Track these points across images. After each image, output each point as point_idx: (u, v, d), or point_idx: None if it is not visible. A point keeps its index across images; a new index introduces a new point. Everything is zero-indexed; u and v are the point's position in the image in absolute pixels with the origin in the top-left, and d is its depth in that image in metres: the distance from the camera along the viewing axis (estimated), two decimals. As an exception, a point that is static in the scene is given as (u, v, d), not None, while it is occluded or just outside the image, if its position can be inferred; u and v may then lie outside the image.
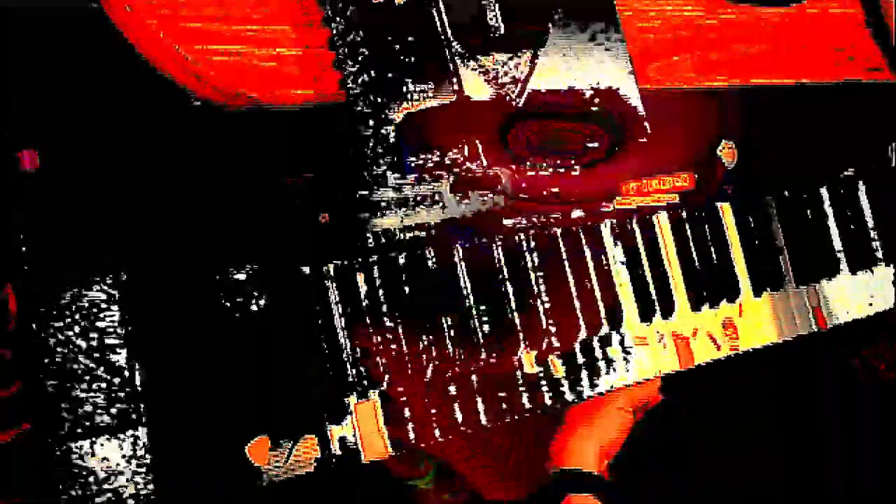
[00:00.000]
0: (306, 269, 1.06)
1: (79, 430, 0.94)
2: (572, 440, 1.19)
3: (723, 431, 1.50)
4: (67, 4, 0.99)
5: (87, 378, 0.95)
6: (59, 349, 0.94)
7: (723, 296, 1.30)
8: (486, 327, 1.13)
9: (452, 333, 1.11)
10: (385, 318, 1.08)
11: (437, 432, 1.09)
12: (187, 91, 1.02)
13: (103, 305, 0.96)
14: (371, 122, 1.08)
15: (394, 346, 1.08)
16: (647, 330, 1.24)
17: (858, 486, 1.48)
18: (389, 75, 1.09)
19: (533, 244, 1.18)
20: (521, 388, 1.14)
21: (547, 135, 1.16)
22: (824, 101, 1.42)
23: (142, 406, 0.96)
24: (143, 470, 0.96)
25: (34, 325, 0.94)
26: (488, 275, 1.15)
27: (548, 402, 1.16)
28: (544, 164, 1.15)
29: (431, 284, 1.12)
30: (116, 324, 0.96)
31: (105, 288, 0.96)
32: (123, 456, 0.95)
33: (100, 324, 0.96)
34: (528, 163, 1.14)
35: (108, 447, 0.95)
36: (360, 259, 1.08)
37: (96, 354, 0.95)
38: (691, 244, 1.30)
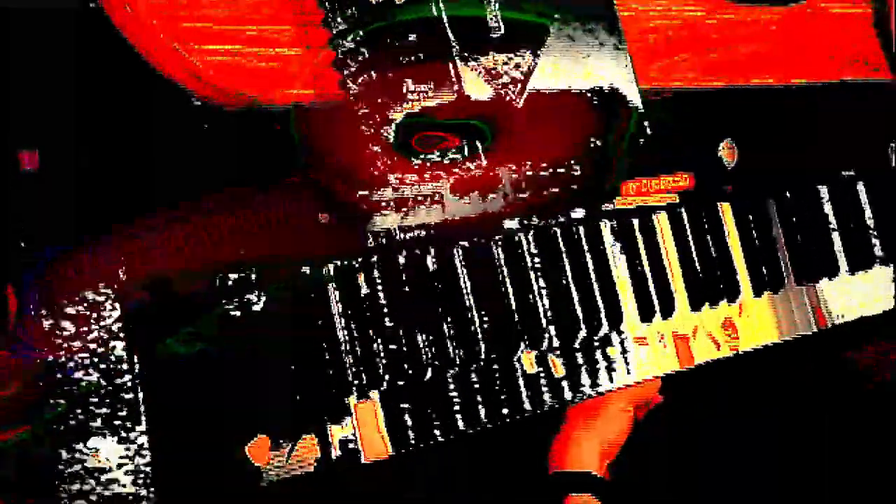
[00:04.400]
0: (306, 269, 1.06)
1: (79, 430, 0.94)
2: (573, 441, 1.19)
3: (723, 431, 1.50)
4: (67, 4, 0.99)
5: (87, 378, 0.95)
6: (58, 349, 0.94)
7: (723, 296, 1.30)
8: (486, 327, 1.13)
9: (452, 333, 1.12)
10: (385, 318, 1.09)
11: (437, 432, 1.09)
12: (187, 91, 1.02)
13: (103, 305, 0.96)
14: (371, 122, 1.08)
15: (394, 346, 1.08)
16: (647, 330, 1.24)
17: (857, 485, 1.48)
18: (389, 75, 1.09)
19: (532, 244, 1.18)
20: (521, 388, 1.14)
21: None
22: (824, 101, 1.42)
23: (141, 406, 0.96)
24: (143, 470, 0.95)
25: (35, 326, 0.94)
26: (488, 275, 1.15)
27: (548, 402, 1.16)
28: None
29: (431, 284, 1.12)
30: (116, 324, 0.96)
31: (105, 287, 0.96)
32: (123, 456, 0.95)
33: (100, 323, 0.96)
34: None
35: (108, 447, 0.95)
36: (360, 259, 1.08)
37: (96, 354, 0.95)
38: (691, 244, 1.30)
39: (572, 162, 1.20)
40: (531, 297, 1.17)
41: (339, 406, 1.05)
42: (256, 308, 1.02)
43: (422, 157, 1.11)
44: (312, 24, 1.08)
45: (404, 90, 1.10)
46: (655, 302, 1.25)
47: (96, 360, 0.95)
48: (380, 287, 1.09)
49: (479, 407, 1.11)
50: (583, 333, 1.19)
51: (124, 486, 0.95)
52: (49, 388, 0.94)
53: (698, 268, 1.30)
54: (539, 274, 1.18)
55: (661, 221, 1.29)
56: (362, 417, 1.06)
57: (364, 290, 1.08)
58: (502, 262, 1.17)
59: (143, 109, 1.01)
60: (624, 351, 1.22)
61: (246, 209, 1.03)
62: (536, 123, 1.18)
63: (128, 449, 0.95)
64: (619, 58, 1.24)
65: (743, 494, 1.46)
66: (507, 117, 1.17)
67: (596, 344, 1.20)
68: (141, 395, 0.97)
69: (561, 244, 1.20)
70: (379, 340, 1.08)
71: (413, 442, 1.08)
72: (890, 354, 1.58)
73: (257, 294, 1.02)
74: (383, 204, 1.09)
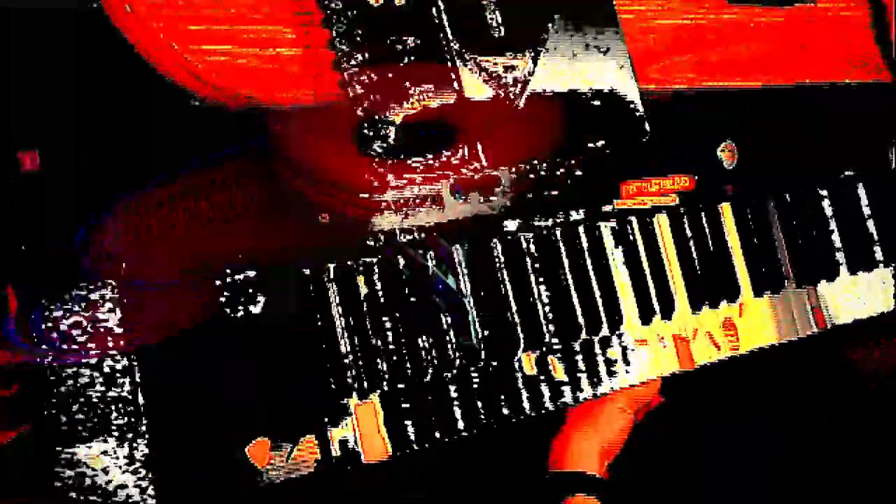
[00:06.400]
0: (306, 270, 1.06)
1: (79, 431, 0.94)
2: (573, 441, 1.19)
3: (723, 432, 1.50)
4: (67, 4, 0.99)
5: (87, 379, 0.95)
6: (58, 349, 0.94)
7: (723, 296, 1.30)
8: (485, 328, 1.14)
9: (452, 334, 1.12)
10: (384, 319, 1.09)
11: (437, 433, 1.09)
12: (187, 91, 1.02)
13: (102, 305, 0.96)
14: (371, 122, 1.08)
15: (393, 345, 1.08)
16: (647, 331, 1.24)
17: (858, 486, 1.48)
18: (389, 75, 1.09)
19: (532, 245, 1.18)
20: (521, 390, 1.14)
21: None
22: (824, 101, 1.42)
23: (142, 406, 0.96)
24: (144, 471, 0.95)
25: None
26: (488, 275, 1.15)
27: (548, 403, 1.16)
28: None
29: (431, 284, 1.12)
30: (116, 324, 0.96)
31: (104, 287, 0.96)
32: (123, 456, 0.95)
33: (99, 323, 0.96)
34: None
35: (108, 448, 0.95)
36: (359, 260, 1.08)
37: (95, 354, 0.95)
38: (691, 244, 1.30)
39: (572, 162, 1.20)
40: (531, 298, 1.17)
41: (338, 407, 1.05)
42: (256, 308, 1.02)
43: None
44: (312, 24, 1.08)
45: (403, 91, 1.10)
46: (655, 303, 1.25)
47: (96, 359, 0.95)
48: (379, 288, 1.09)
49: (479, 408, 1.11)
50: (583, 335, 1.19)
51: (124, 486, 0.95)
52: (49, 388, 0.94)
53: (698, 268, 1.30)
54: (539, 275, 1.18)
55: (661, 222, 1.29)
56: (362, 419, 1.06)
57: (364, 291, 1.08)
58: (502, 263, 1.17)
59: (143, 109, 1.01)
60: (624, 352, 1.22)
61: (246, 209, 1.03)
62: (535, 124, 1.18)
63: (128, 449, 0.95)
64: (618, 58, 1.23)
65: (743, 495, 1.46)
66: (507, 117, 1.17)
67: (596, 345, 1.20)
68: (141, 395, 0.97)
69: (561, 245, 1.20)
70: (379, 341, 1.08)
71: (413, 443, 1.08)
72: (890, 356, 1.58)
73: (257, 294, 1.02)
74: (383, 205, 1.09)
